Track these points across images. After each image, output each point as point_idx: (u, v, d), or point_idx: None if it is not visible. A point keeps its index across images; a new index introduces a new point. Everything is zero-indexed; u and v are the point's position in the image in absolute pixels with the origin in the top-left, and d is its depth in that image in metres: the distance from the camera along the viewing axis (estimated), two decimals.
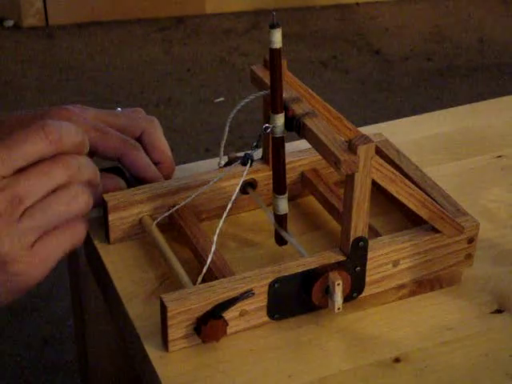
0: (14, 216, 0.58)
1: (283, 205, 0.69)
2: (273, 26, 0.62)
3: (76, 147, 0.61)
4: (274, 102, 0.65)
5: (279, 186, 0.69)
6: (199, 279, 0.65)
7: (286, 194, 0.69)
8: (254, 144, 0.67)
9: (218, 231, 0.65)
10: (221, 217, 0.66)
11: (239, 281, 0.63)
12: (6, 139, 0.58)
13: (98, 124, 0.75)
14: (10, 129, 0.73)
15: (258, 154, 0.73)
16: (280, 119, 0.66)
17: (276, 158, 0.68)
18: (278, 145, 0.67)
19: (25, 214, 0.59)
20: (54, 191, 0.60)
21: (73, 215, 0.61)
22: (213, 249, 0.65)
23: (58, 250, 0.61)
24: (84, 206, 0.61)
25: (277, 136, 0.67)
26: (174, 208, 0.72)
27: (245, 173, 0.68)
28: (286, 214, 0.70)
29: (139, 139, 0.77)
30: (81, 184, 0.62)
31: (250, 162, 0.67)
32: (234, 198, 0.66)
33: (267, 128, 0.66)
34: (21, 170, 0.59)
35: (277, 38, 0.62)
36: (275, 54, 0.63)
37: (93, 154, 0.74)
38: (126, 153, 0.74)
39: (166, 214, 0.72)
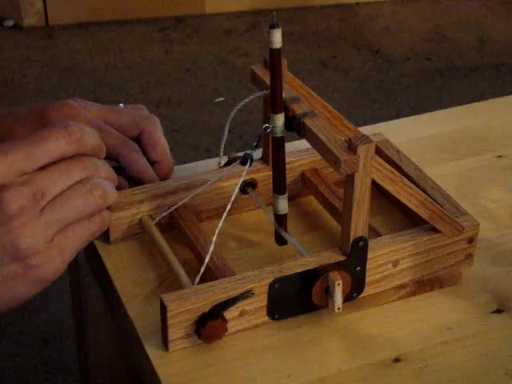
0: (37, 209, 0.59)
1: (283, 205, 0.69)
2: (273, 26, 0.62)
3: (94, 150, 0.63)
4: (274, 102, 0.65)
5: (279, 186, 0.69)
6: (197, 279, 0.65)
7: (286, 194, 0.69)
8: (254, 144, 0.67)
9: (217, 231, 0.65)
10: (221, 217, 0.66)
11: (239, 281, 0.63)
12: (30, 136, 0.60)
13: (98, 121, 0.75)
14: (9, 123, 0.73)
15: (257, 154, 0.73)
16: (280, 119, 0.66)
17: (276, 158, 0.68)
18: (278, 145, 0.67)
19: (46, 208, 0.60)
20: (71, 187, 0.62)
21: (90, 209, 0.62)
22: (211, 249, 0.65)
23: (75, 243, 0.62)
24: (100, 201, 0.63)
25: (277, 136, 0.66)
26: (174, 207, 0.72)
27: (245, 173, 0.68)
28: (285, 214, 0.70)
29: (139, 137, 0.77)
30: (96, 180, 0.63)
31: (249, 161, 0.67)
32: (233, 197, 0.66)
33: (267, 128, 0.66)
34: (41, 168, 0.60)
35: (277, 38, 0.62)
36: (275, 54, 0.63)
37: None
38: (123, 153, 0.75)
39: (166, 214, 0.72)
